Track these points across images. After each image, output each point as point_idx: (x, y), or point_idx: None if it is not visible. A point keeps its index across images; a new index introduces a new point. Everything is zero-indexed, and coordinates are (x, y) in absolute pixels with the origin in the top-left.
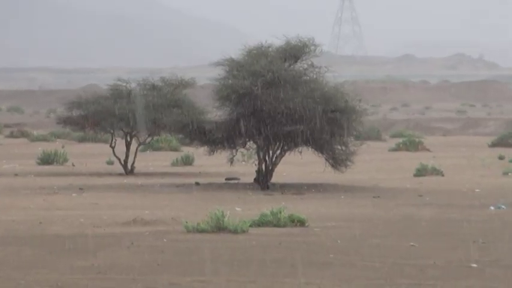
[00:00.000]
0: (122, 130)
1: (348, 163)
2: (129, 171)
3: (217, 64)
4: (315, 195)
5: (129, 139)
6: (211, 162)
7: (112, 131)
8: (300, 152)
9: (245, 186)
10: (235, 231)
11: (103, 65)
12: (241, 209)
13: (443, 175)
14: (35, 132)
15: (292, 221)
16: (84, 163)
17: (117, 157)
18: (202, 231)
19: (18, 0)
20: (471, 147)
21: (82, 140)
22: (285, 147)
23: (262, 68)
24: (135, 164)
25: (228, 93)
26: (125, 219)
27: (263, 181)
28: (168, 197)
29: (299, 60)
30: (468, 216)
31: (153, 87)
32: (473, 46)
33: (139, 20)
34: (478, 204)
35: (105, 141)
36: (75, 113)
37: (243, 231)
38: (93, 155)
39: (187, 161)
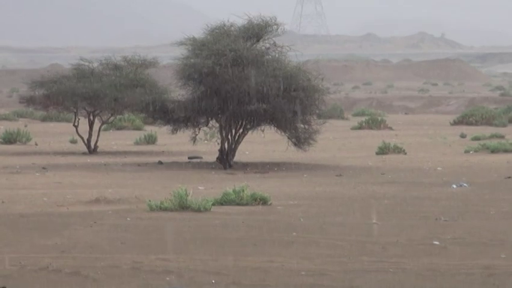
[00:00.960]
0: (85, 109)
1: (311, 142)
2: (93, 150)
3: (180, 43)
4: (278, 174)
5: (92, 118)
6: (174, 141)
7: (75, 110)
8: (263, 131)
9: (208, 165)
10: (198, 210)
11: (66, 44)
12: (204, 187)
13: (405, 153)
14: None
15: (255, 200)
16: (47, 142)
17: (80, 136)
18: (166, 209)
19: None
20: (433, 126)
21: (45, 119)
22: (248, 126)
23: (224, 47)
24: (98, 143)
25: (190, 72)
26: (88, 198)
27: (226, 160)
28: (131, 175)
29: (261, 40)
30: (430, 194)
31: (116, 66)
32: (435, 25)
33: (102, 0)
34: (440, 182)
35: (68, 121)
36: (38, 92)
37: (206, 210)
38: (56, 134)
39: (151, 139)
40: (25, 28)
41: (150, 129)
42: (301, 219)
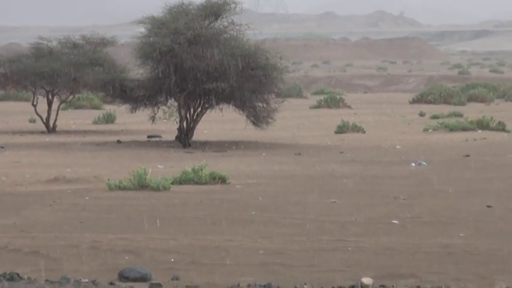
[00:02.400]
0: (44, 88)
1: (269, 120)
2: (51, 130)
3: (139, 22)
4: (236, 153)
5: (51, 97)
6: (133, 120)
7: (34, 90)
8: (221, 110)
9: (167, 144)
10: (157, 189)
11: (24, 23)
12: (163, 166)
13: (364, 132)
14: None
15: (214, 179)
16: (6, 121)
17: (39, 115)
18: (125, 188)
19: None
20: (392, 104)
21: (3, 98)
22: (206, 105)
23: (183, 26)
24: (57, 122)
25: (149, 51)
26: (47, 178)
27: (184, 139)
28: (90, 155)
29: (219, 18)
30: (389, 173)
31: (74, 45)
32: (394, 3)
33: None
34: (399, 161)
35: (27, 100)
36: None
37: (165, 189)
38: (14, 113)
39: (109, 119)
40: None
41: (108, 108)
42: (260, 198)
